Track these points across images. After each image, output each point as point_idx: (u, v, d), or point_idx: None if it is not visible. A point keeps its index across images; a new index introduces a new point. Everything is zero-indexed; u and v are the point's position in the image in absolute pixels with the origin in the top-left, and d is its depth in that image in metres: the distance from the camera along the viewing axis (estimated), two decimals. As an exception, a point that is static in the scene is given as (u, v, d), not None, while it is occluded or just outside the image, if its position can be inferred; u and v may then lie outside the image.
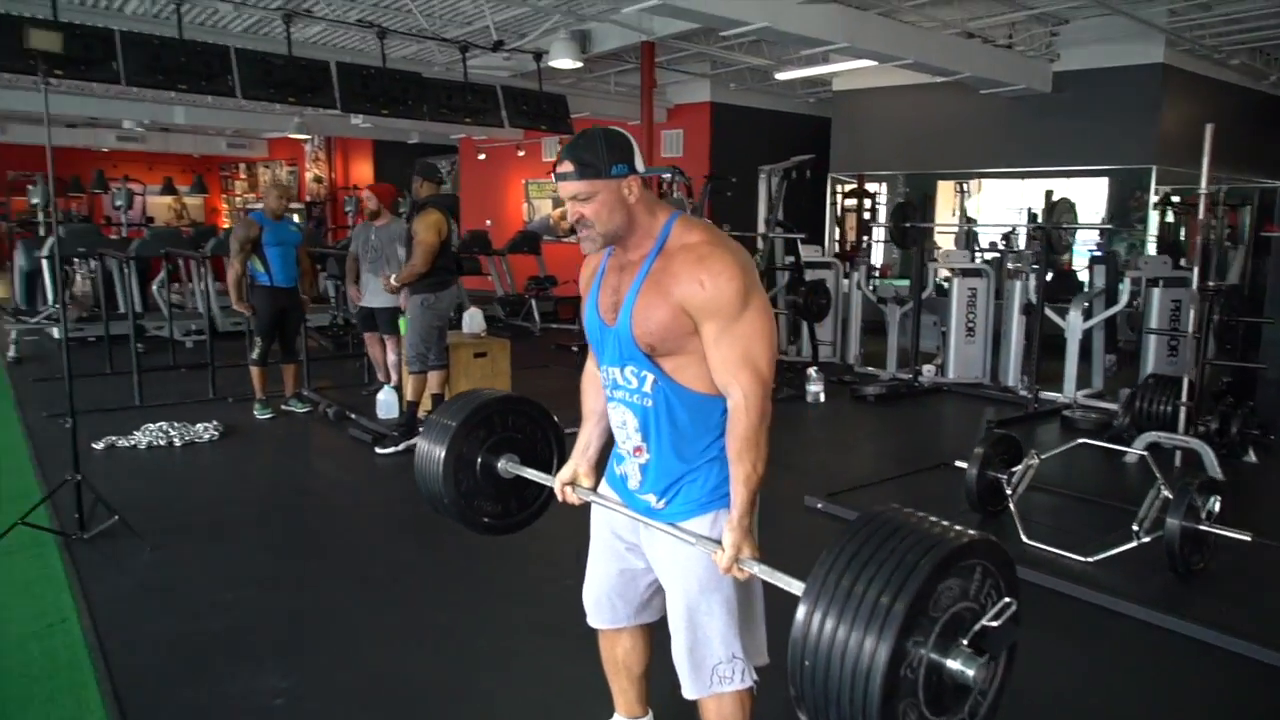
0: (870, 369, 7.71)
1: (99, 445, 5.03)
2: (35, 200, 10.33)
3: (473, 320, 5.90)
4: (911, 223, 6.95)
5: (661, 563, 1.84)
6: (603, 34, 9.09)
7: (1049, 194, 6.09)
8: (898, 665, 1.22)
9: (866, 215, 10.31)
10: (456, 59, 9.68)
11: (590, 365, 2.01)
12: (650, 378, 1.74)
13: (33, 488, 4.32)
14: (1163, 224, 9.55)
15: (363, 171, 16.46)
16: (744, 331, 1.65)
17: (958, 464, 3.96)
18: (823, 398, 6.55)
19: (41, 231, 10.66)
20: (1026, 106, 9.16)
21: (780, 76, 10.40)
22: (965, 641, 1.31)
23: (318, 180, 17.18)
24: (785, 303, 8.14)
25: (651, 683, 2.11)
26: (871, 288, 8.14)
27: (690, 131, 12.16)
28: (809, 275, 7.86)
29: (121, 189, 10.94)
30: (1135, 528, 3.32)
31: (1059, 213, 6.15)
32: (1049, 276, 6.47)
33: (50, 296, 9.13)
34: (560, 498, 1.99)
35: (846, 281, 8.22)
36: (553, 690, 2.56)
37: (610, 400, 1.85)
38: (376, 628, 2.97)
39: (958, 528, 1.33)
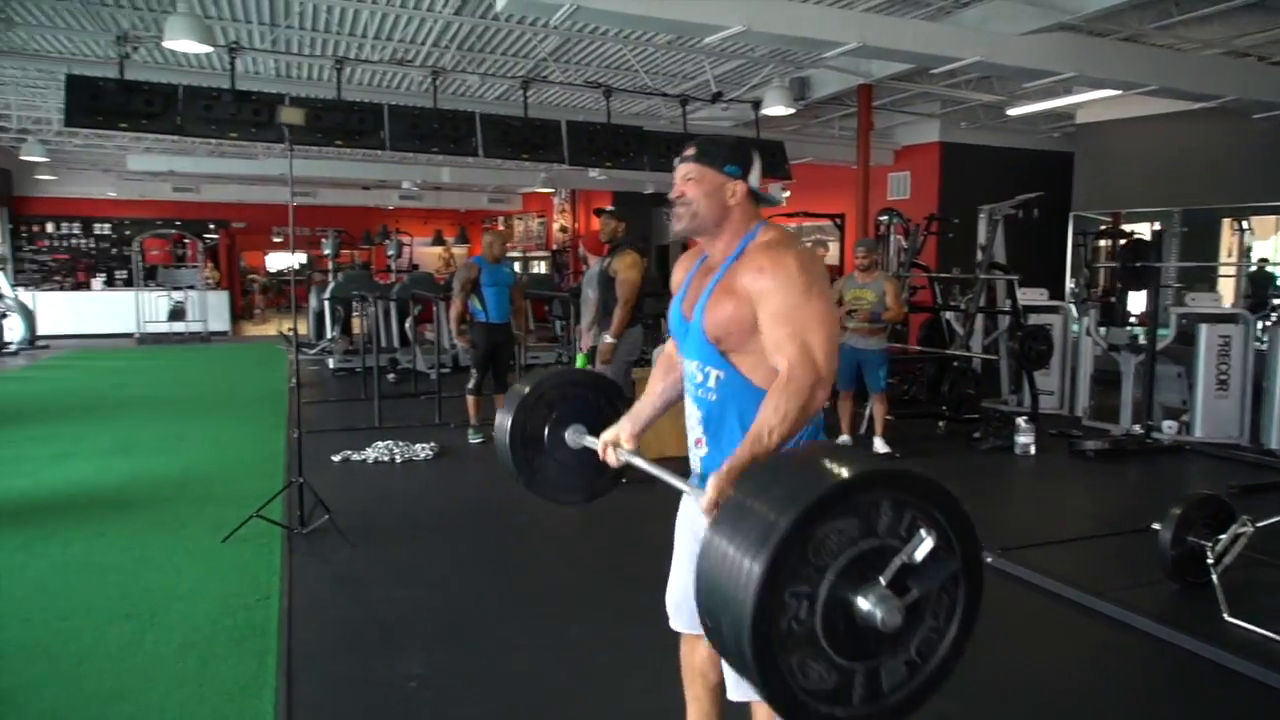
0: (1100, 424, 6.98)
1: (336, 458, 5.81)
2: (327, 251, 12.11)
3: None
4: (1143, 262, 6.25)
5: None
6: (821, 80, 9.18)
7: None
8: (767, 616, 1.19)
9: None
10: (680, 112, 10.18)
11: (670, 346, 2.11)
12: (715, 374, 1.82)
13: (279, 490, 5.08)
14: None
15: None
16: (800, 316, 1.69)
17: (1153, 526, 3.53)
18: (1033, 450, 6.04)
19: (332, 278, 12.49)
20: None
21: (1012, 112, 9.84)
22: (886, 582, 1.24)
23: (563, 230, 18.54)
24: (1005, 349, 7.64)
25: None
26: (1102, 334, 7.40)
27: (918, 172, 11.79)
28: (1033, 320, 7.32)
29: (393, 240, 12.54)
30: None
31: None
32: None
33: (328, 333, 10.66)
34: (601, 455, 2.07)
35: (1077, 328, 7.54)
36: (658, 703, 2.63)
37: (686, 396, 1.94)
38: (514, 634, 3.20)
39: (858, 463, 1.28)
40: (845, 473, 1.27)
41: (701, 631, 2.02)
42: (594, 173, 13.72)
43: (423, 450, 5.97)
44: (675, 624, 2.12)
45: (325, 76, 9.04)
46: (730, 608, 1.25)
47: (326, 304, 10.54)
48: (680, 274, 2.02)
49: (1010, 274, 7.21)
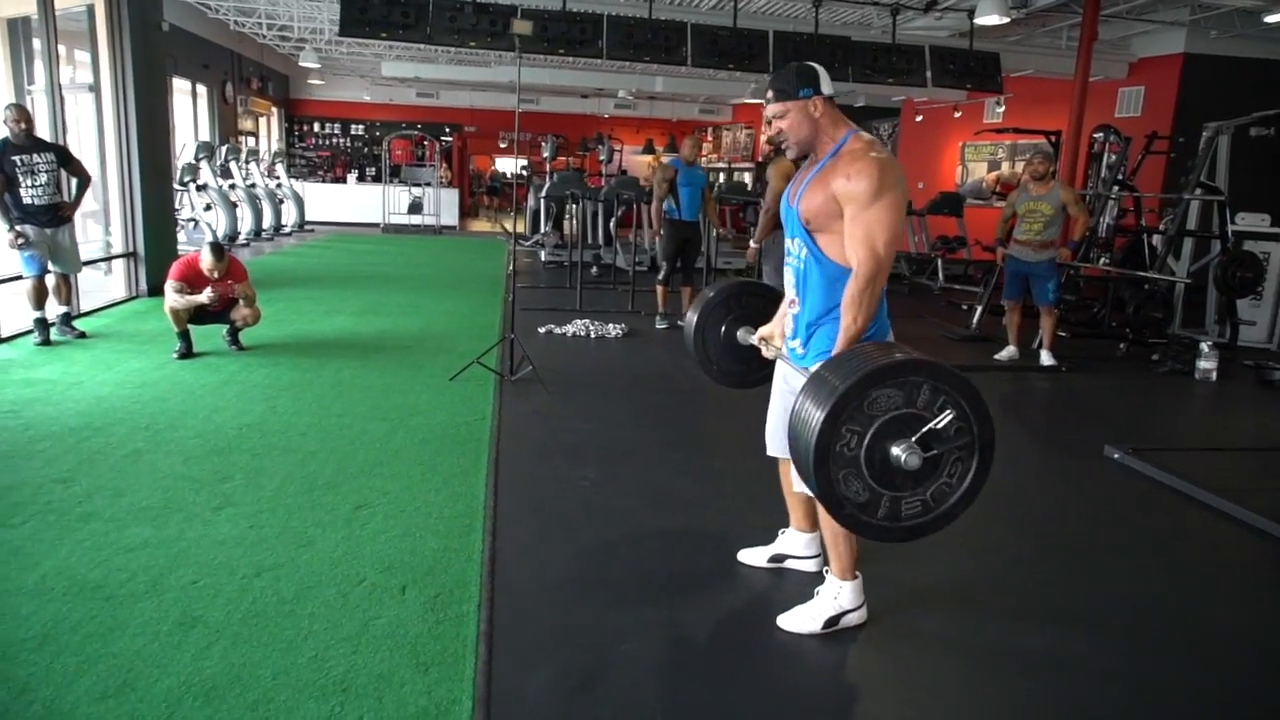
0: (1309, 360, 6.60)
1: (541, 330, 6.75)
2: (546, 154, 13.16)
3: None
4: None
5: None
6: (1043, -14, 8.76)
7: None
8: (827, 439, 1.74)
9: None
10: (890, 22, 10.08)
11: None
12: (805, 248, 2.34)
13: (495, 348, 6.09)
14: None
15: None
16: (870, 219, 2.17)
17: (1288, 437, 3.63)
18: (1214, 376, 5.92)
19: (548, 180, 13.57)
20: None
21: (1271, 19, 8.91)
22: (915, 439, 1.76)
23: (769, 142, 18.66)
24: (1212, 275, 7.29)
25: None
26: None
27: (1153, 87, 10.94)
28: (1248, 246, 6.93)
29: (605, 146, 13.38)
30: None
31: None
32: None
33: (542, 228, 11.74)
34: (759, 346, 2.65)
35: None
36: (765, 511, 3.24)
37: (785, 265, 2.47)
38: (664, 460, 3.92)
39: (915, 355, 1.77)
40: (897, 358, 1.77)
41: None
42: (803, 83, 13.78)
43: (614, 329, 6.78)
44: (770, 450, 2.69)
45: (551, -12, 9.78)
46: (804, 432, 1.82)
47: (542, 202, 11.58)
48: (794, 176, 2.53)
49: (1219, 195, 6.83)
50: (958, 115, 13.84)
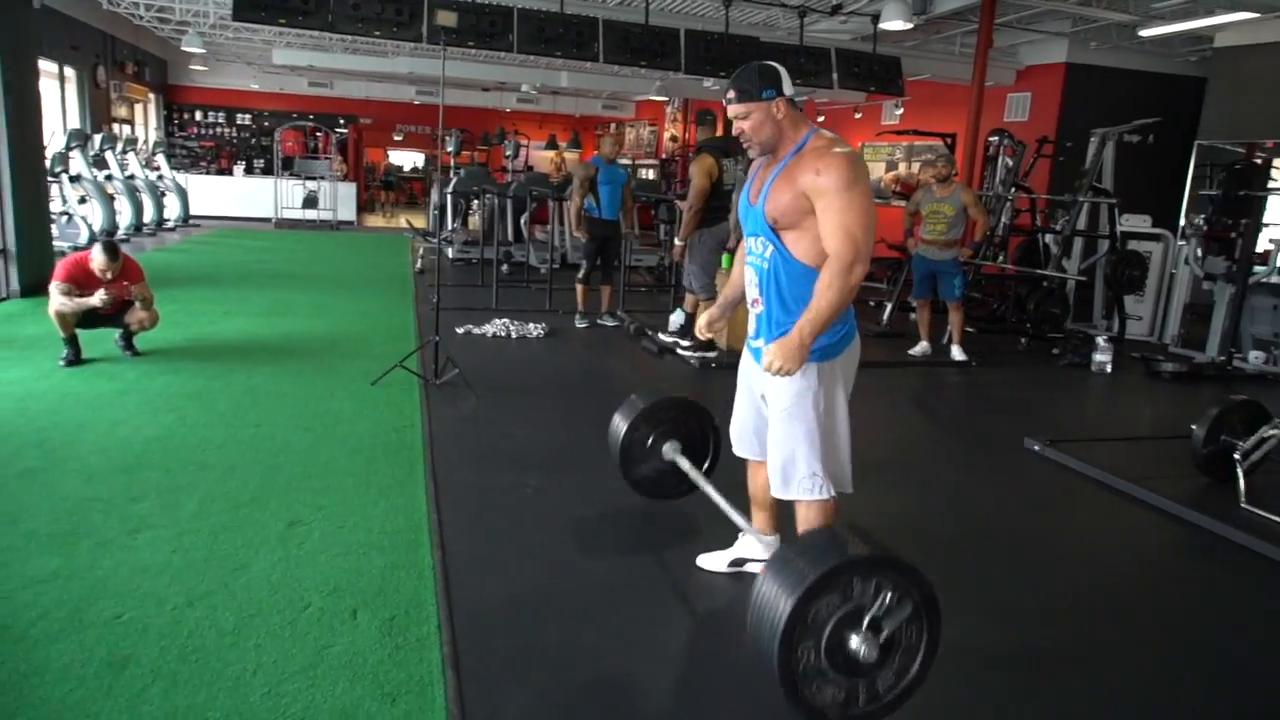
0: (1186, 351, 7.08)
1: (460, 330, 6.55)
2: (450, 149, 12.82)
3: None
4: (1247, 190, 6.25)
5: (768, 399, 2.41)
6: (945, -7, 9.06)
7: None
8: (788, 667, 1.76)
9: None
10: (797, 24, 10.26)
11: (741, 250, 2.61)
12: (770, 248, 2.31)
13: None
14: None
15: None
16: (843, 208, 2.16)
17: (1193, 427, 3.86)
18: (1109, 368, 6.28)
19: (453, 175, 13.23)
20: None
21: (1145, 33, 9.52)
22: (865, 628, 1.80)
23: (674, 139, 18.77)
24: (1100, 273, 7.72)
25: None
26: (1200, 263, 7.39)
27: (1039, 93, 11.52)
28: (1132, 246, 7.38)
29: (511, 141, 13.15)
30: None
31: None
32: None
33: (448, 224, 11.44)
34: (698, 326, 2.70)
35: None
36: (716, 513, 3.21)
37: (746, 264, 2.44)
38: (607, 464, 3.80)
39: (831, 562, 1.78)
40: (820, 572, 1.77)
41: (760, 458, 2.58)
42: (708, 82, 13.91)
43: (535, 329, 6.65)
44: (738, 450, 2.67)
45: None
46: (764, 660, 1.82)
47: (449, 197, 11.28)
48: (751, 173, 2.51)
49: (1111, 198, 7.24)
50: (858, 116, 14.25)
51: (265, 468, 3.50)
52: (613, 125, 20.95)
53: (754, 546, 2.79)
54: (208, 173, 17.41)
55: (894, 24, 8.81)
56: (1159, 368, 6.25)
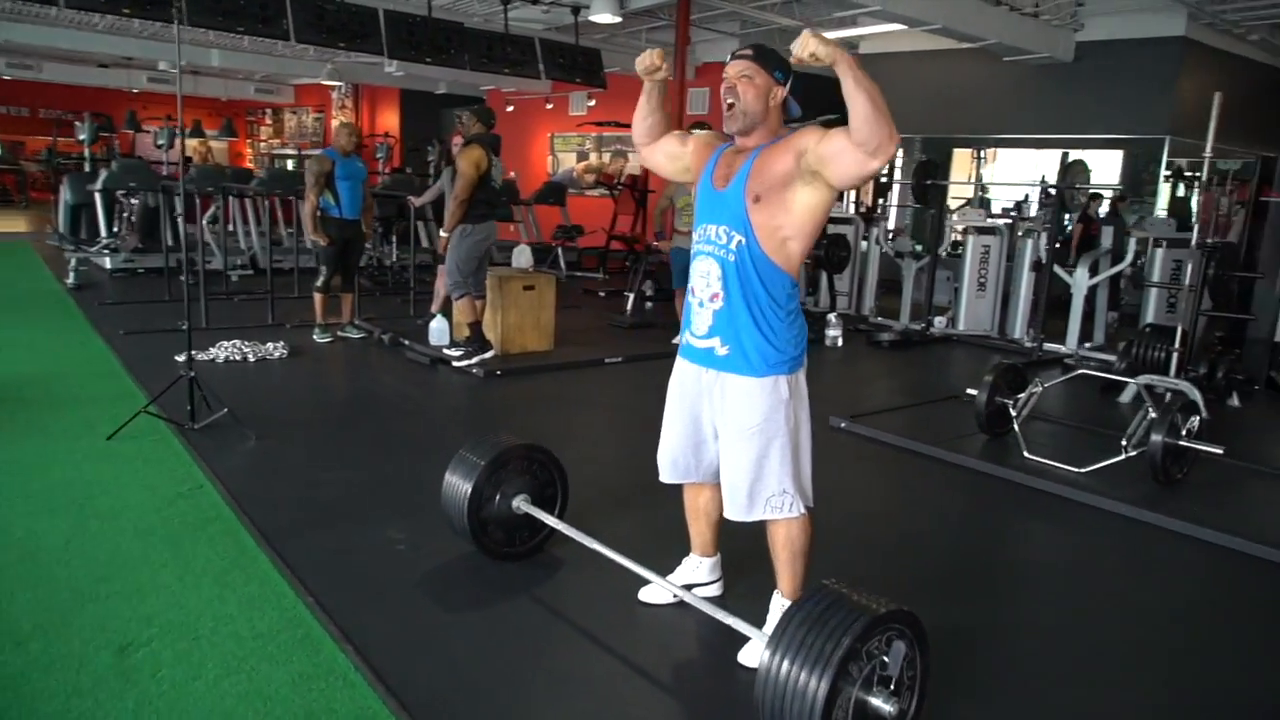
0: (884, 320, 8.14)
1: (180, 358, 5.49)
2: (83, 137, 10.69)
3: (521, 256, 6.34)
4: (933, 180, 7.31)
5: (730, 411, 2.26)
6: (641, -11, 9.33)
7: (1065, 155, 6.47)
8: (832, 704, 1.69)
9: (883, 178, 10.63)
10: (495, 10, 10.01)
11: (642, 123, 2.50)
12: (738, 239, 2.17)
13: (133, 389, 4.79)
14: (1173, 196, 9.88)
15: (389, 120, 16.75)
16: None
17: (969, 392, 4.42)
18: (840, 342, 7.00)
19: (88, 167, 11.06)
20: (1048, 75, 9.43)
21: (804, 39, 10.66)
22: (879, 682, 1.78)
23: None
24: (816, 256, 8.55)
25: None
26: (890, 244, 8.54)
27: (716, 89, 12.39)
28: (830, 230, 8.26)
29: (164, 129, 11.28)
30: (1124, 442, 3.79)
31: (1073, 175, 6.53)
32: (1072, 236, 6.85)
33: (102, 229, 9.56)
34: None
35: (865, 240, 8.61)
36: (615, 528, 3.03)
37: (698, 255, 2.27)
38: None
39: (848, 624, 1.73)
40: (840, 644, 1.70)
41: (699, 480, 2.45)
42: (390, 67, 13.08)
43: (275, 349, 5.78)
44: (667, 477, 2.51)
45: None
46: None
47: (99, 196, 9.42)
48: (701, 158, 2.35)
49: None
50: (549, 107, 14.32)
51: (30, 577, 2.62)
52: (268, 110, 18.99)
53: (700, 569, 2.66)
54: None
55: (603, 16, 8.96)
56: (879, 338, 7.10)
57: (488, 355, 5.62)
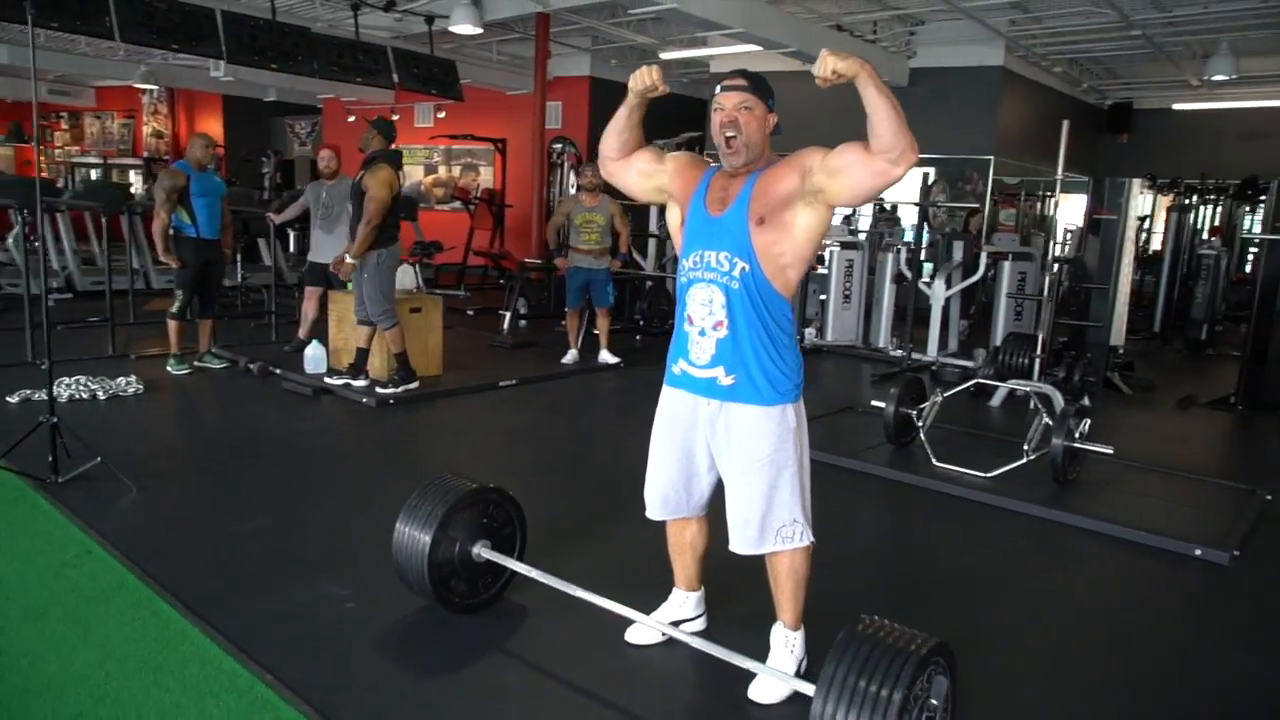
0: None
1: (13, 399, 4.82)
2: None
3: (405, 277, 6.02)
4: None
5: (737, 443, 2.21)
6: (496, 1, 9.16)
7: (925, 175, 6.92)
8: None
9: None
10: (340, 15, 9.53)
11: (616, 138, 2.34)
12: (741, 265, 2.12)
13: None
14: (993, 209, 10.81)
15: (211, 127, 15.50)
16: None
17: (874, 404, 4.61)
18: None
19: None
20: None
21: (665, 56, 10.84)
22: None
23: (157, 135, 16.05)
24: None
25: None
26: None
27: (569, 104, 12.40)
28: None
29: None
30: (1025, 447, 4.07)
31: (935, 192, 7.00)
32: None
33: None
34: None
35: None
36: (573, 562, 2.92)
37: (695, 283, 2.19)
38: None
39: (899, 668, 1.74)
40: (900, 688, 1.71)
41: (688, 514, 2.40)
42: (217, 71, 12.11)
43: (127, 384, 5.18)
44: (658, 515, 2.44)
45: None
46: None
47: None
48: (687, 182, 2.26)
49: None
50: (396, 118, 13.72)
51: (-97, 679, 2.18)
52: (63, 115, 17.13)
53: (685, 604, 2.60)
54: None
55: (464, 27, 8.72)
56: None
57: (413, 386, 5.32)
